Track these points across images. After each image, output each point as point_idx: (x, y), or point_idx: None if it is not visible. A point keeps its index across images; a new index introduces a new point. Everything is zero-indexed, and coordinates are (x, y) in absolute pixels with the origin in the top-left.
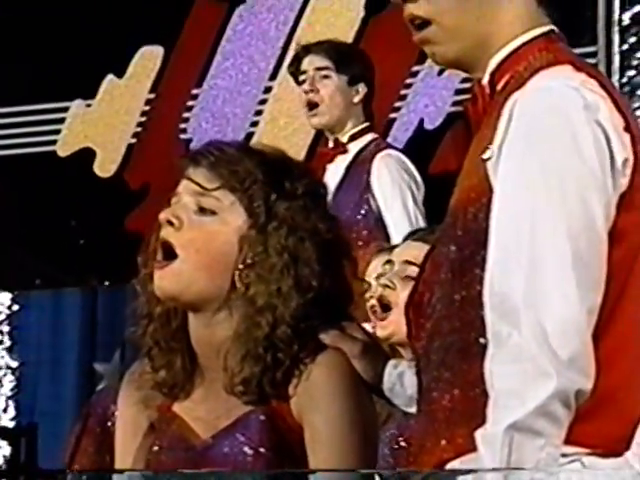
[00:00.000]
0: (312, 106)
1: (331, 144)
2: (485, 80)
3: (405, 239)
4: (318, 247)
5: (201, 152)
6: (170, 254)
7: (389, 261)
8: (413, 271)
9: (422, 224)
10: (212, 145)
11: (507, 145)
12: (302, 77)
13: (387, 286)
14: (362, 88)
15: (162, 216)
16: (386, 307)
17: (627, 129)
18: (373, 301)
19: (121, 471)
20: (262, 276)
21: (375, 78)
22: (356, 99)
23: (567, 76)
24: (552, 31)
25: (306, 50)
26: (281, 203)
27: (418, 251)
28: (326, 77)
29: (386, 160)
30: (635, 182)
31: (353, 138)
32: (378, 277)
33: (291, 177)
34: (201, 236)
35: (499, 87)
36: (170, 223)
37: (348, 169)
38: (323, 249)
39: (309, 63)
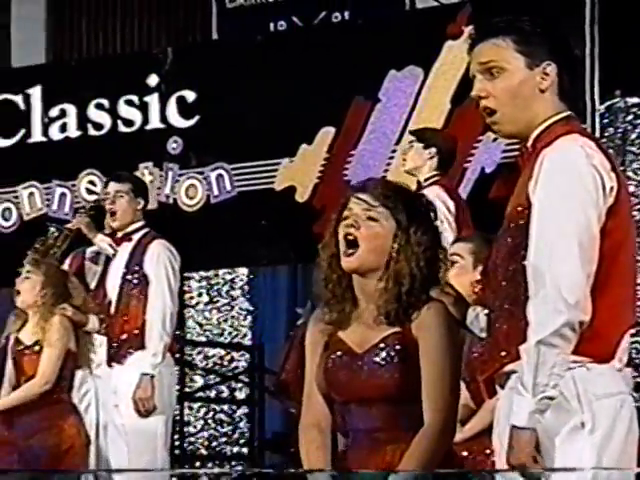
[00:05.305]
0: (403, 161)
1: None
2: (529, 144)
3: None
4: (433, 240)
5: (366, 184)
6: (354, 243)
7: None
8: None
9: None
10: (371, 180)
11: (540, 179)
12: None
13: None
14: (433, 150)
15: (348, 222)
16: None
17: (613, 170)
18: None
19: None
20: (407, 257)
21: (450, 142)
22: (428, 156)
23: (575, 139)
24: (570, 115)
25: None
26: (413, 214)
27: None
28: (411, 147)
29: (430, 194)
30: (619, 200)
31: (427, 180)
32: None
33: (414, 198)
34: (371, 234)
35: (537, 147)
36: (353, 226)
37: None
38: (434, 240)
39: (404, 140)
